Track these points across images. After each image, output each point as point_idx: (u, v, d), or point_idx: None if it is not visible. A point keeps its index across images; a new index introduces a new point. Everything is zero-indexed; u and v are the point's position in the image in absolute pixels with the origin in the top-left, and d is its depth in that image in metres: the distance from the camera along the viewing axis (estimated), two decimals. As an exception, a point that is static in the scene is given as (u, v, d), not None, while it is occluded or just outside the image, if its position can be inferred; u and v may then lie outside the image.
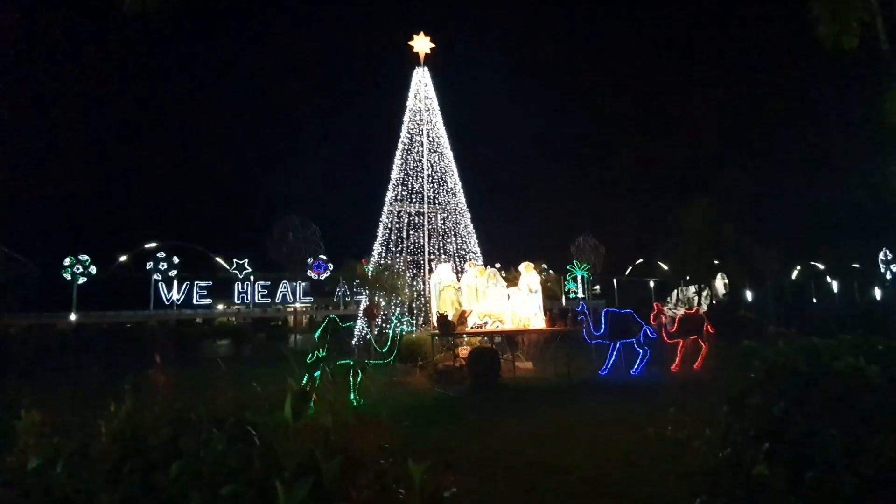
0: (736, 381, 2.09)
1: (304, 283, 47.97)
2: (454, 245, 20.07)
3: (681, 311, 16.73)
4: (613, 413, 7.70)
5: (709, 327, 15.35)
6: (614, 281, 16.70)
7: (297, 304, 44.53)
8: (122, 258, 40.50)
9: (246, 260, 44.58)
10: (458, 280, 13.89)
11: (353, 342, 17.85)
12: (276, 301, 47.07)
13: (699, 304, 31.26)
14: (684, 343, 13.89)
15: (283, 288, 46.06)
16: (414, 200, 19.85)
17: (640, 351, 13.15)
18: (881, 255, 40.31)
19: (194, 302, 43.85)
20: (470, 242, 20.15)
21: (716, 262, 24.20)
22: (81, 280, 38.49)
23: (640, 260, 18.20)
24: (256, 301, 46.36)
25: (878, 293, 38.64)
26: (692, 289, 34.06)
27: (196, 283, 44.02)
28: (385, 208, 20.09)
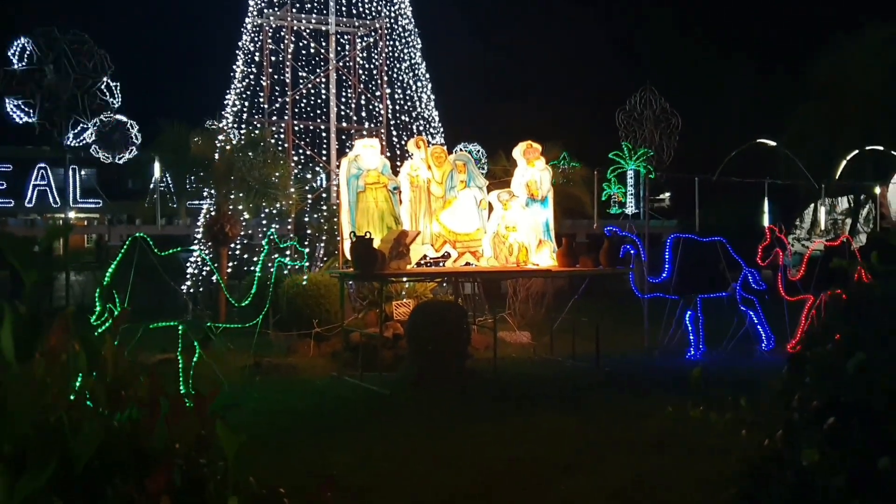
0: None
1: (84, 171, 46.80)
2: (389, 103, 19.99)
3: (815, 243, 17.71)
4: (673, 429, 8.38)
5: (864, 273, 16.29)
6: (696, 183, 17.25)
7: (72, 213, 43.85)
8: None
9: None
10: (395, 171, 14.03)
11: (185, 288, 18.07)
12: (27, 203, 46.14)
13: (853, 229, 32.97)
14: (816, 302, 14.89)
15: (40, 179, 45.05)
16: (309, 7, 19.33)
17: (746, 315, 14.05)
18: None
19: None
20: (420, 100, 20.11)
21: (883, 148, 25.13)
22: None
23: (750, 143, 18.69)
24: (-17, 205, 45.30)
25: None
26: (844, 202, 35.63)
27: None
28: (247, 22, 19.52)
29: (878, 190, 26.29)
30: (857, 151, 24.36)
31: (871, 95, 31.35)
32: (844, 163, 23.79)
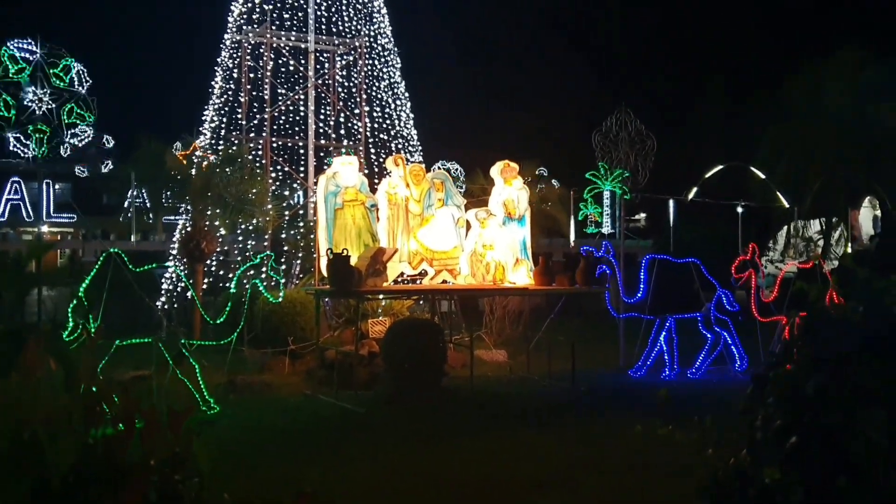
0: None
1: (59, 185, 46.54)
2: (369, 121, 20.04)
3: (787, 265, 17.93)
4: (646, 449, 8.43)
5: (834, 294, 16.55)
6: (671, 205, 17.45)
7: (45, 228, 43.49)
8: None
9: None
10: (373, 189, 14.06)
11: (160, 304, 17.93)
12: (0, 217, 45.79)
13: (825, 252, 33.35)
14: (789, 323, 15.03)
15: (13, 192, 44.73)
16: (288, 25, 19.39)
17: (709, 335, 14.16)
18: None
19: None
20: (400, 118, 20.19)
21: (857, 172, 25.50)
22: None
23: (723, 166, 18.92)
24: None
25: None
26: (816, 224, 36.07)
27: None
28: (226, 38, 19.54)
29: (860, 211, 26.72)
30: (829, 174, 24.73)
31: (842, 119, 31.83)
32: (817, 186, 24.15)
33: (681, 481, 6.73)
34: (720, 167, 18.92)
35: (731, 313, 14.46)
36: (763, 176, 21.69)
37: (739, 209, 17.84)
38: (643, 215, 45.88)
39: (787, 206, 21.88)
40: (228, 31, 19.52)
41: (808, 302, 2.96)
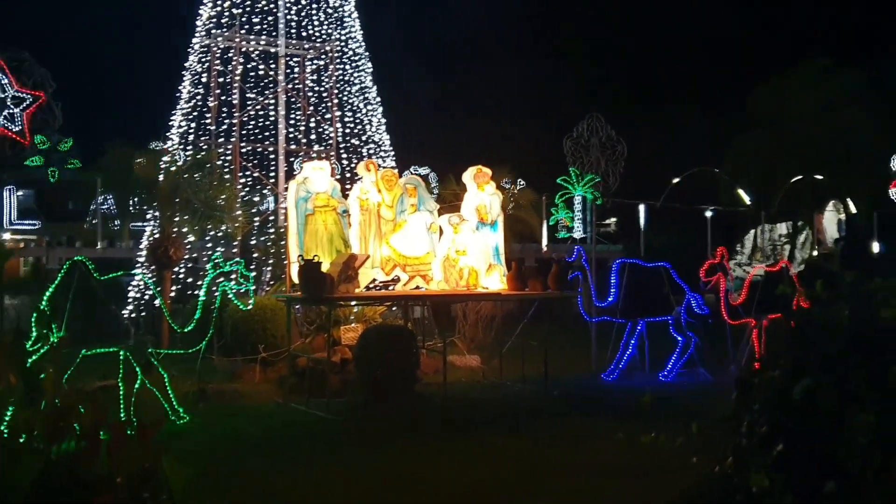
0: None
1: (21, 192, 45.94)
2: (340, 126, 19.95)
3: (755, 268, 18.07)
4: (622, 453, 8.44)
5: (801, 299, 16.71)
6: (641, 209, 17.58)
7: (7, 235, 42.82)
8: None
9: None
10: (345, 194, 13.97)
11: (127, 312, 17.67)
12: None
13: (791, 255, 33.84)
14: (757, 325, 15.18)
15: (-24, 200, 44.02)
16: (258, 29, 19.24)
17: (679, 338, 14.23)
18: None
19: None
20: (371, 123, 20.12)
21: (821, 177, 25.99)
22: None
23: (692, 171, 19.09)
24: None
25: None
26: (782, 228, 36.60)
27: None
28: (195, 42, 19.34)
29: (825, 215, 27.12)
30: (794, 179, 25.08)
31: (807, 125, 32.37)
32: (783, 191, 24.46)
33: (655, 483, 6.75)
34: (689, 172, 19.09)
35: (701, 316, 14.58)
36: (729, 180, 21.91)
37: (708, 213, 17.99)
38: (614, 220, 46.13)
39: (753, 209, 22.11)
40: (197, 34, 19.31)
41: (785, 305, 2.96)
